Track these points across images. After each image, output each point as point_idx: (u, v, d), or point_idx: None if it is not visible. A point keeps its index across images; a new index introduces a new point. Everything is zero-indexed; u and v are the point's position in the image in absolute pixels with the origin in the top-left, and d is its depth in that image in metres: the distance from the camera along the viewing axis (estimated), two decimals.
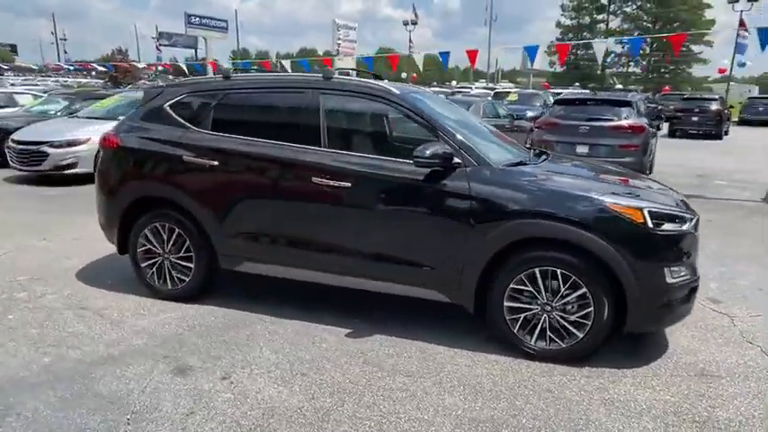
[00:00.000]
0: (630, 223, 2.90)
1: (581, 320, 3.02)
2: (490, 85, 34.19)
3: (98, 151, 4.18)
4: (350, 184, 3.32)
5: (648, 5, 60.88)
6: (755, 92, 41.86)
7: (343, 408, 2.65)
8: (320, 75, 3.64)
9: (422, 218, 3.23)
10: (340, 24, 40.79)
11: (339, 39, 40.42)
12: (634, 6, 62.29)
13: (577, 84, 44.08)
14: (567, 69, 62.88)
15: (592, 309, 2.98)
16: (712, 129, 18.54)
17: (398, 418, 2.58)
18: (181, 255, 3.83)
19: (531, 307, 3.10)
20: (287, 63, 19.01)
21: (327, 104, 3.54)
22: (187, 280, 3.85)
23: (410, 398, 2.75)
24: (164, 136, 3.80)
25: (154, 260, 3.92)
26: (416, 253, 3.28)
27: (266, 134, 3.61)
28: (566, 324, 3.05)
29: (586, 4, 63.17)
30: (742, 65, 27.60)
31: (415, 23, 40.12)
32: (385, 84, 3.72)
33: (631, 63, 65.13)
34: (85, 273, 4.50)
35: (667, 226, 2.96)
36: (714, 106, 18.57)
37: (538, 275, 3.04)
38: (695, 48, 58.79)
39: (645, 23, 62.53)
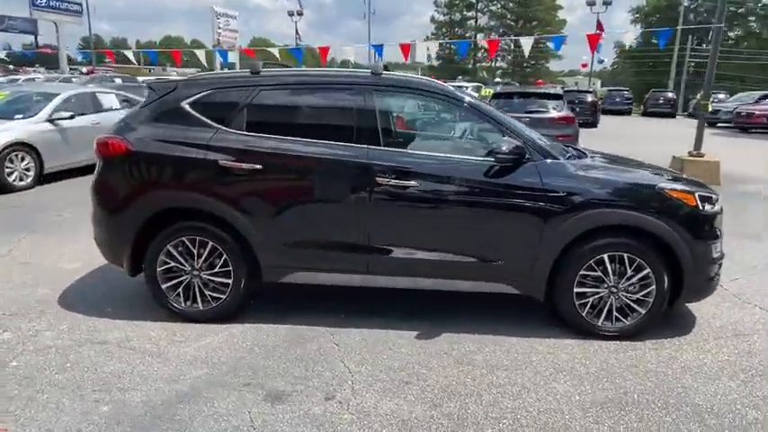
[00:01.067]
0: (687, 207, 3.23)
1: (643, 298, 3.30)
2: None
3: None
4: (417, 183, 3.25)
5: (511, 5, 66.17)
6: (598, 85, 48.30)
7: (470, 410, 2.63)
8: (368, 71, 3.49)
9: (492, 214, 3.28)
10: (219, 13, 38.42)
11: (219, 28, 38.18)
12: (499, 5, 67.22)
13: (461, 77, 46.50)
14: (442, 63, 66.37)
15: (654, 287, 3.26)
16: (589, 118, 20.80)
17: (528, 411, 2.63)
18: (215, 270, 3.45)
19: (599, 290, 3.31)
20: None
21: (381, 102, 3.41)
22: (223, 297, 3.48)
23: (524, 390, 2.80)
24: (188, 138, 3.38)
25: (180, 279, 3.48)
26: (486, 249, 3.32)
27: (313, 134, 3.39)
28: (630, 303, 3.31)
29: (457, 2, 66.83)
30: (601, 61, 31.27)
31: (300, 14, 39.37)
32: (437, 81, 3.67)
33: (498, 58, 70.41)
34: (70, 301, 3.84)
35: (708, 207, 3.34)
36: (590, 98, 20.86)
37: (606, 261, 3.25)
38: (551, 45, 65.35)
39: (509, 21, 67.98)
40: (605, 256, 3.25)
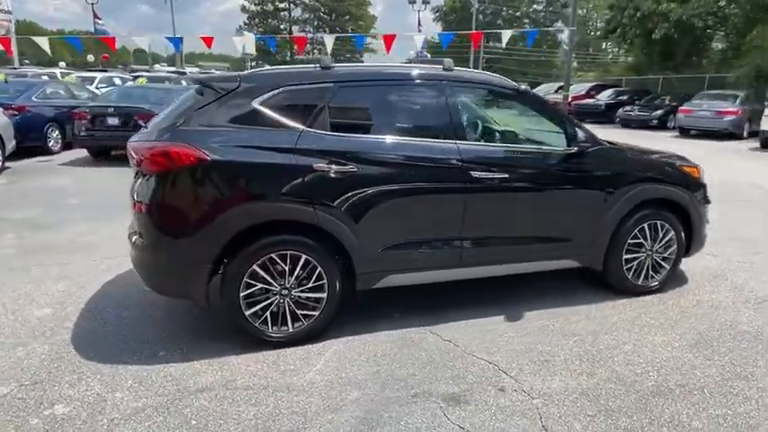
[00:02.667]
0: (695, 178, 4.00)
1: (668, 257, 3.99)
2: (171, 68, 31.91)
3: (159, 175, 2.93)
4: (506, 175, 3.42)
5: None
6: None
7: (618, 371, 2.95)
8: (440, 66, 3.50)
9: (569, 197, 3.63)
10: None
11: None
12: None
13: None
14: (258, 56, 64.73)
15: (675, 246, 3.98)
16: None
17: (652, 359, 3.05)
18: (309, 286, 3.15)
19: (640, 255, 3.91)
20: None
21: (458, 97, 3.46)
22: (316, 314, 3.20)
23: (635, 346, 3.23)
24: (272, 142, 3.00)
25: (267, 302, 3.10)
26: (563, 229, 3.67)
27: (399, 131, 3.33)
28: (660, 262, 3.98)
29: None
30: (424, 57, 33.91)
31: None
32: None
33: (308, 53, 71.21)
34: (97, 352, 3.09)
35: (701, 176, 4.16)
36: None
37: (646, 229, 3.85)
38: (368, 40, 68.41)
39: (322, 14, 69.10)
40: (645, 225, 3.84)
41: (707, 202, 4.14)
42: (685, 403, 2.66)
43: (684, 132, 16.43)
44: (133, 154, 3.06)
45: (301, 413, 2.56)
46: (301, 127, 3.08)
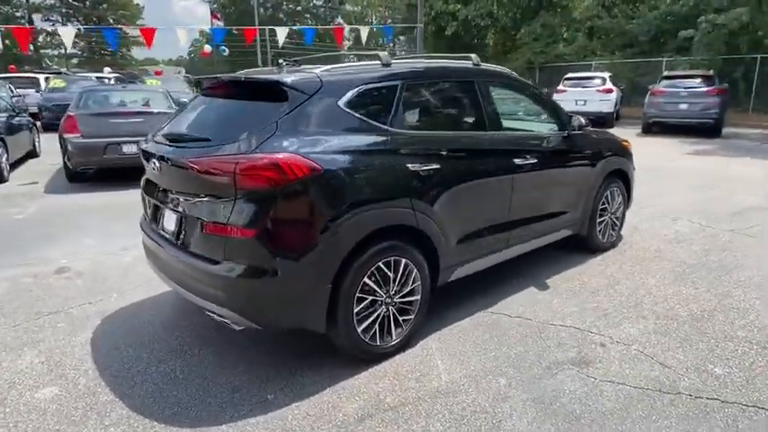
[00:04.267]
0: (629, 150, 4.96)
1: (619, 216, 4.91)
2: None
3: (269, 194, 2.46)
4: (536, 159, 3.80)
5: None
6: (183, 73, 49.31)
7: (676, 308, 3.62)
8: (470, 62, 3.66)
9: (568, 174, 4.19)
10: None
11: None
12: None
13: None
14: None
15: (623, 206, 4.92)
16: None
17: (681, 296, 3.82)
18: (408, 290, 3.07)
19: (605, 217, 4.72)
20: None
21: (490, 90, 3.67)
22: (411, 318, 3.14)
23: (653, 287, 3.97)
24: (368, 145, 2.82)
25: (375, 314, 2.93)
26: (564, 203, 4.22)
27: (454, 125, 3.48)
28: (614, 221, 4.87)
29: None
30: (223, 51, 32.13)
31: None
32: None
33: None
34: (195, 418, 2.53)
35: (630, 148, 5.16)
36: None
37: (608, 195, 4.68)
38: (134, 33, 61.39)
39: (74, 2, 59.58)
40: (608, 192, 4.66)
41: (633, 168, 5.20)
42: (713, 320, 3.44)
43: None
44: (208, 170, 2.55)
45: (481, 410, 2.57)
46: (386, 127, 2.95)
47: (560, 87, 16.25)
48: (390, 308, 2.99)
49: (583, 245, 4.68)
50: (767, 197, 6.85)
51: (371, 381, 2.81)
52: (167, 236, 2.96)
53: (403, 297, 3.05)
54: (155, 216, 3.16)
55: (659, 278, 4.17)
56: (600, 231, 4.68)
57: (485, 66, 3.82)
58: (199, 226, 2.66)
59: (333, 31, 12.70)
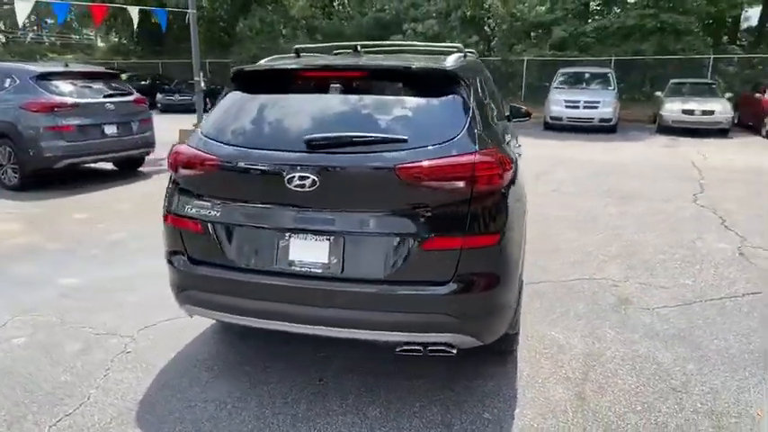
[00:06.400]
0: None
1: None
2: None
3: None
4: None
5: None
6: None
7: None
8: None
9: None
10: None
11: None
12: None
13: None
14: None
15: None
16: None
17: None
18: None
19: None
20: None
21: None
22: None
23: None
24: (506, 134, 2.81)
25: None
26: None
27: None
28: None
29: None
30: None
31: None
32: None
33: None
34: None
35: None
36: None
37: None
38: None
39: None
40: None
41: None
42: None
43: None
44: (442, 175, 2.13)
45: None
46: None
47: None
48: None
49: None
50: None
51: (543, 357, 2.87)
52: (308, 270, 2.28)
53: None
54: (262, 250, 2.36)
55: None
56: None
57: None
58: (410, 244, 2.18)
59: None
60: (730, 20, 18.05)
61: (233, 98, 2.59)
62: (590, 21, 18.44)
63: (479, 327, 2.31)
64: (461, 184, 2.16)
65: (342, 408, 2.51)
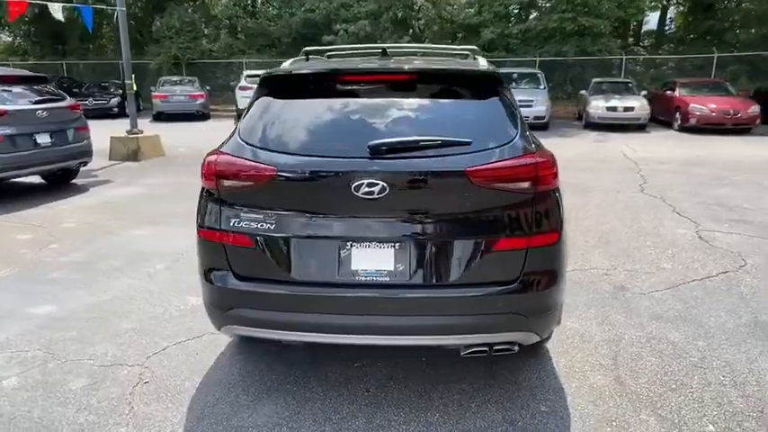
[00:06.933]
0: None
1: None
2: None
3: None
4: None
5: None
6: None
7: None
8: None
9: None
10: None
11: None
12: None
13: None
14: None
15: None
16: None
17: None
18: None
19: None
20: None
21: None
22: None
23: None
24: None
25: None
26: None
27: None
28: None
29: None
30: None
31: None
32: None
33: None
34: None
35: None
36: None
37: None
38: None
39: None
40: None
41: None
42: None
43: (158, 117, 17.36)
44: (510, 176, 2.16)
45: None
46: None
47: (244, 84, 16.44)
48: None
49: None
50: None
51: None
52: (373, 279, 2.22)
53: None
54: (322, 261, 2.26)
55: None
56: None
57: None
58: (479, 246, 2.19)
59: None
60: (635, 24, 19.82)
61: (268, 104, 2.45)
62: (511, 23, 19.35)
63: (541, 323, 2.36)
64: (526, 184, 2.20)
65: (401, 417, 2.47)
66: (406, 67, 2.52)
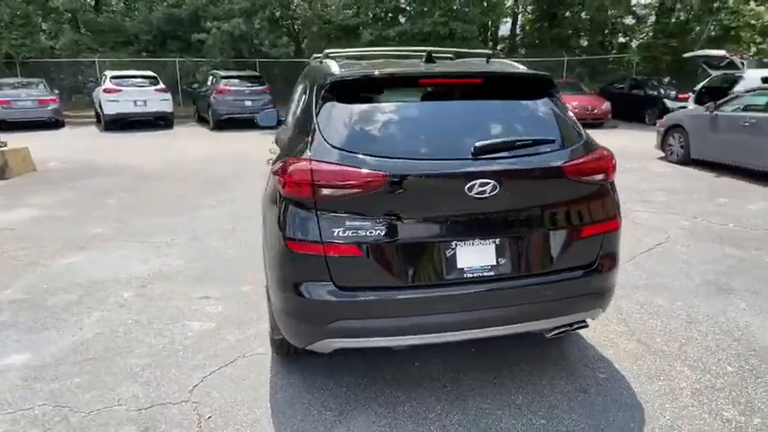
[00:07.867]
0: None
1: None
2: None
3: None
4: None
5: None
6: None
7: None
8: None
9: None
10: None
11: None
12: None
13: None
14: None
15: None
16: None
17: None
18: None
19: None
20: None
21: None
22: None
23: None
24: None
25: None
26: None
27: None
28: None
29: None
30: None
31: None
32: None
33: None
34: None
35: None
36: None
37: None
38: None
39: None
40: None
41: None
42: None
43: None
44: (596, 169, 2.41)
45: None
46: None
47: (110, 86, 14.74)
48: None
49: None
50: None
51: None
52: (480, 275, 2.31)
53: None
54: (429, 263, 2.28)
55: None
56: None
57: None
58: (569, 234, 2.39)
59: None
60: (493, 29, 21.86)
61: (348, 108, 2.38)
62: (386, 26, 20.01)
63: (607, 299, 2.65)
64: (602, 176, 2.47)
65: (490, 404, 2.59)
66: (475, 69, 2.63)
